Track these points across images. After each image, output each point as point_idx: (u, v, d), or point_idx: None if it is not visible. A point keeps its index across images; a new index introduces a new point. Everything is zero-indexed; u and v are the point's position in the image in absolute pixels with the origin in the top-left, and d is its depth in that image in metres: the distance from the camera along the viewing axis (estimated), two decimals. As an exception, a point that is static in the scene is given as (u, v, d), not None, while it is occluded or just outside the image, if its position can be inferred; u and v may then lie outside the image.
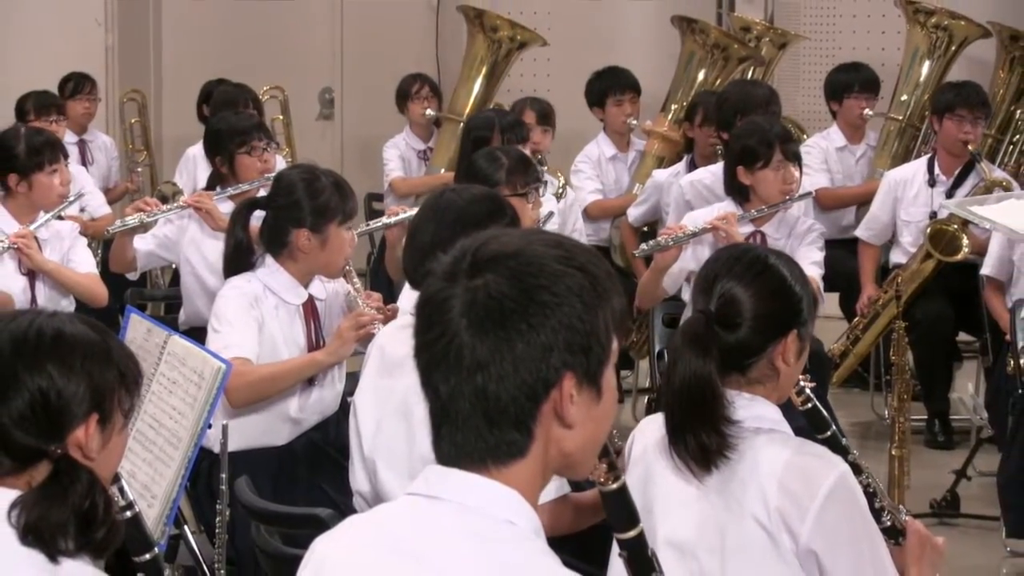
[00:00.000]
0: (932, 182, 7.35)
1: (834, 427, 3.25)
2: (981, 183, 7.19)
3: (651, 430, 3.16)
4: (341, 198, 4.73)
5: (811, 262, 5.83)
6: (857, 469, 3.12)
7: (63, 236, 6.00)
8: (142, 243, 6.05)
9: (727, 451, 2.98)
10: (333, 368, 4.75)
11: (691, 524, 3.06)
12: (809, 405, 3.22)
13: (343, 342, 4.60)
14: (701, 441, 2.98)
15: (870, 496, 3.12)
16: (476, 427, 2.01)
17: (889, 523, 3.17)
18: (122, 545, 2.58)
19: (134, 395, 2.47)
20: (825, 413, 3.25)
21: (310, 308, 4.77)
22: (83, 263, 6.00)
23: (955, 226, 6.98)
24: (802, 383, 3.18)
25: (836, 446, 3.19)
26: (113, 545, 2.39)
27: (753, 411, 3.03)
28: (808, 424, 3.24)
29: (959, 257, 7.01)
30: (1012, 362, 5.96)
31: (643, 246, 6.02)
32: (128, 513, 2.61)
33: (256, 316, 4.64)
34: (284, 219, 4.70)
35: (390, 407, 3.88)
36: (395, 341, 3.94)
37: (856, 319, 7.36)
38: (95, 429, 2.40)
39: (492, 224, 3.83)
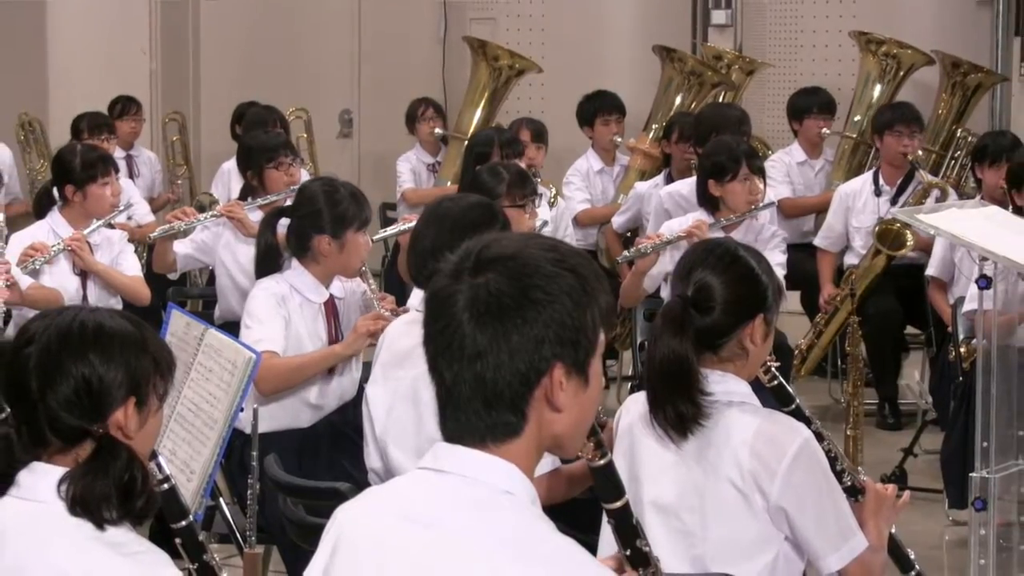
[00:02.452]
0: (878, 192, 7.38)
1: (797, 401, 3.26)
2: (920, 186, 7.23)
3: (635, 407, 3.18)
4: (357, 207, 4.72)
5: (775, 263, 5.84)
6: (819, 437, 3.14)
7: (113, 242, 6.00)
8: (181, 247, 6.06)
9: (701, 419, 3.00)
10: (350, 359, 4.75)
11: (673, 488, 3.07)
12: (775, 383, 3.24)
13: (358, 337, 4.59)
14: (678, 410, 3.00)
15: (832, 460, 3.14)
16: (476, 409, 2.00)
17: (849, 483, 3.19)
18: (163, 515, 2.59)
19: (168, 381, 2.47)
20: (789, 389, 3.27)
21: (331, 306, 4.76)
22: (130, 267, 6.00)
23: (899, 224, 7.00)
24: (768, 363, 3.19)
25: (800, 418, 3.20)
26: (151, 513, 2.39)
27: (725, 386, 3.05)
28: (774, 399, 3.25)
29: (905, 251, 7.03)
30: (953, 352, 5.96)
31: (625, 253, 6.04)
32: (165, 486, 2.60)
33: (283, 314, 4.63)
34: (307, 226, 4.69)
35: (399, 394, 3.88)
36: (403, 335, 3.93)
37: (818, 316, 7.36)
38: (133, 411, 2.40)
39: (486, 228, 3.84)
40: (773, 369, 3.21)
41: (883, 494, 3.21)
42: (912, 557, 3.41)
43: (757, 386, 3.16)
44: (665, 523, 3.07)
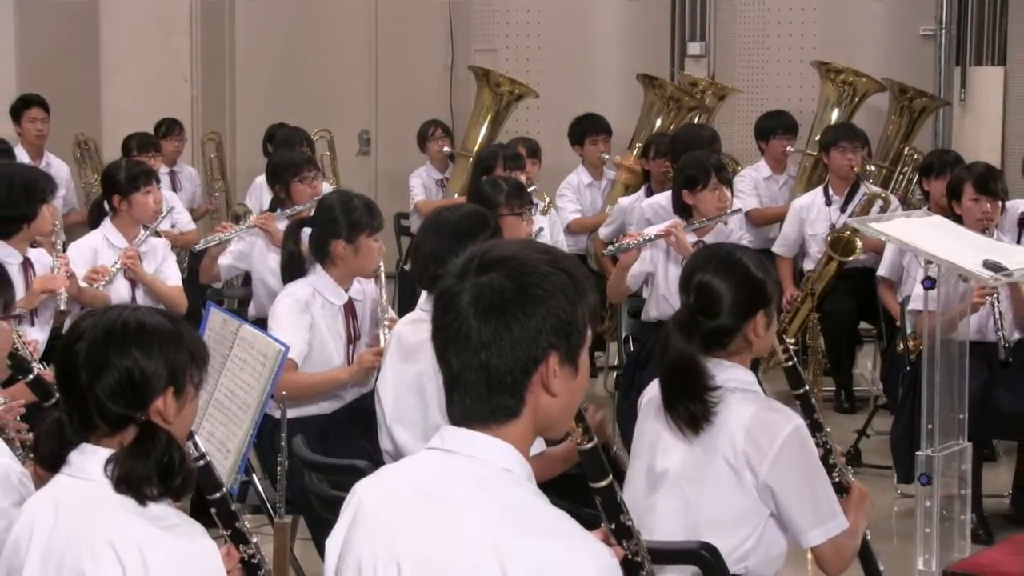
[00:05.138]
0: (828, 202, 7.38)
1: (806, 387, 3.21)
2: (865, 196, 7.22)
3: (651, 392, 3.18)
4: (370, 215, 4.71)
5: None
6: (818, 427, 3.10)
7: (157, 251, 5.97)
8: (223, 259, 6.11)
9: (711, 416, 2.98)
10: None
11: (678, 461, 3.07)
12: (790, 363, 3.20)
13: (362, 368, 4.59)
14: (689, 409, 3.00)
15: (827, 452, 3.10)
16: (480, 394, 1.99)
17: (838, 479, 3.13)
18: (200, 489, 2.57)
19: (202, 371, 2.46)
20: (802, 372, 3.22)
21: (350, 307, 4.74)
22: (171, 277, 5.95)
23: (848, 232, 7.00)
24: (787, 344, 3.15)
25: (806, 402, 3.16)
26: (189, 490, 2.40)
27: (730, 374, 3.04)
28: (786, 380, 3.20)
29: (855, 257, 7.03)
30: (902, 345, 5.95)
31: (609, 247, 6.07)
32: (201, 462, 2.59)
33: (307, 319, 4.61)
34: (325, 232, 4.68)
35: (406, 384, 3.87)
36: (410, 332, 3.92)
37: (783, 315, 7.35)
38: (171, 399, 2.39)
39: (479, 234, 3.85)
40: (791, 350, 3.17)
41: (866, 492, 3.19)
42: (881, 569, 3.38)
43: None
44: (670, 490, 3.08)
